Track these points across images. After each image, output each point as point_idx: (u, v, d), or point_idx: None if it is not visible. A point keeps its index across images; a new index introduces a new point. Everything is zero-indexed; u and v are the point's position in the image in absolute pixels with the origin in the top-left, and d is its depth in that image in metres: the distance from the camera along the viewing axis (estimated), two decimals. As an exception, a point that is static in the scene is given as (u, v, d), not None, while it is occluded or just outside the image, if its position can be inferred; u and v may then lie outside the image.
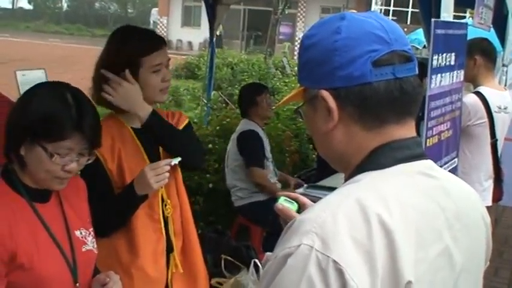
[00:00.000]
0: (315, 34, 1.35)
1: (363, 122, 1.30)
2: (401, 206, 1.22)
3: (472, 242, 1.37)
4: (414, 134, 1.35)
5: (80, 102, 2.02)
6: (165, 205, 2.71)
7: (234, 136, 5.53)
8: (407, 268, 1.14)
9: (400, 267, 1.14)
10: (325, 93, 1.30)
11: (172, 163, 2.53)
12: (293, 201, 1.80)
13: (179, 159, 2.55)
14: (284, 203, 1.78)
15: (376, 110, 1.29)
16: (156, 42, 2.66)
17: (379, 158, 1.30)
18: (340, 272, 1.10)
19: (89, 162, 2.12)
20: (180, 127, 2.82)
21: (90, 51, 22.81)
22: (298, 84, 1.43)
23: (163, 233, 2.71)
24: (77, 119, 1.97)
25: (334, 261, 1.10)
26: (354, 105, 1.28)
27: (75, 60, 20.39)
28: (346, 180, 1.34)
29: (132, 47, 2.59)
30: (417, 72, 1.34)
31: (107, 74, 2.54)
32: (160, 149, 2.73)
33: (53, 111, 1.98)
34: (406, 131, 1.33)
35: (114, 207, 2.57)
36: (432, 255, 1.23)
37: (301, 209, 1.78)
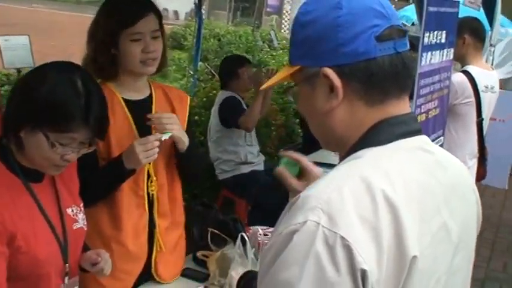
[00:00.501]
0: (312, 10, 1.32)
1: (367, 97, 1.29)
2: (404, 181, 1.23)
3: (466, 215, 1.40)
4: (410, 109, 1.36)
5: (89, 91, 1.94)
6: (151, 181, 2.64)
7: (214, 108, 5.47)
8: (412, 243, 1.15)
9: (405, 243, 1.15)
10: (329, 71, 1.27)
11: (163, 138, 2.47)
12: (295, 164, 1.79)
13: (170, 134, 2.49)
14: (285, 167, 1.77)
15: (382, 85, 1.28)
16: (140, 11, 2.51)
17: (378, 134, 1.29)
18: (348, 248, 1.10)
19: (89, 151, 2.07)
20: (185, 115, 2.78)
21: (74, 17, 22.50)
22: (288, 63, 1.40)
23: (147, 209, 2.67)
24: (85, 112, 1.91)
25: (342, 237, 1.10)
26: (360, 81, 1.27)
27: (59, 27, 20.12)
28: (344, 156, 1.32)
29: (114, 20, 2.50)
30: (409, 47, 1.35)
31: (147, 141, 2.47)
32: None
33: (62, 101, 1.90)
34: (403, 106, 1.34)
35: (100, 178, 2.53)
36: (433, 229, 1.25)
37: (302, 174, 1.80)
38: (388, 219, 1.15)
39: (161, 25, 2.61)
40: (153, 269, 2.73)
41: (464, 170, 1.48)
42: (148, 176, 2.64)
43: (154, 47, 2.54)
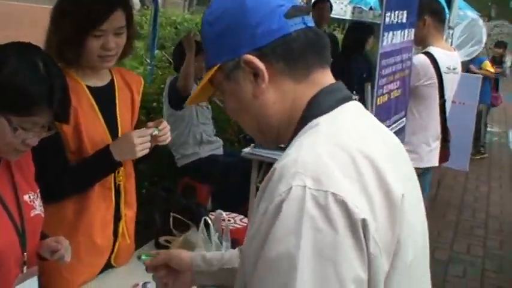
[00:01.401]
0: (217, 7, 1.36)
1: (292, 73, 1.31)
2: (368, 137, 1.28)
3: (410, 167, 1.42)
4: (334, 80, 1.40)
5: (51, 73, 1.89)
6: (118, 172, 2.57)
7: (164, 93, 5.45)
8: (396, 186, 1.19)
9: (390, 187, 1.18)
10: (249, 57, 1.29)
11: (154, 133, 2.48)
12: (153, 254, 1.98)
13: (157, 130, 2.49)
14: (146, 258, 1.96)
15: (303, 57, 1.31)
16: (107, 9, 2.37)
17: (320, 104, 1.31)
18: (342, 203, 1.10)
19: (49, 134, 2.00)
20: (139, 97, 2.73)
21: (28, 8, 22.18)
22: (205, 70, 1.41)
23: (113, 201, 2.61)
24: (48, 94, 1.86)
25: (333, 194, 1.10)
26: (282, 58, 1.30)
27: (14, 18, 19.80)
28: (294, 135, 1.32)
29: (82, 20, 2.35)
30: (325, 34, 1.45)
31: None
32: (117, 108, 2.60)
33: (24, 85, 1.83)
34: (329, 77, 1.37)
35: (82, 172, 2.45)
36: (403, 176, 1.29)
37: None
38: (369, 171, 1.17)
39: (129, 18, 2.49)
40: (112, 259, 2.69)
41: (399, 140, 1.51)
42: None
43: (115, 44, 2.43)
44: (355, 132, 1.26)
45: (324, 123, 1.27)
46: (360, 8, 9.64)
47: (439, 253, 5.96)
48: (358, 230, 1.10)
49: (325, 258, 1.08)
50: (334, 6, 8.71)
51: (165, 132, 2.53)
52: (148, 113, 5.96)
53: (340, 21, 18.95)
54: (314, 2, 7.72)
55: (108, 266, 2.68)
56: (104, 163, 2.46)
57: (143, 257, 1.98)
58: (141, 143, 2.41)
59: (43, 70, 1.87)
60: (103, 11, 2.36)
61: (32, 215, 2.09)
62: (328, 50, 1.38)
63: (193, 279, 1.89)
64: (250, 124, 1.40)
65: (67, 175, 2.42)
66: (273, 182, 1.17)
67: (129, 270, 2.72)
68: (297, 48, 1.30)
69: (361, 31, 7.16)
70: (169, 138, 2.58)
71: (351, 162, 1.17)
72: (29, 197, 2.10)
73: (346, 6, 23.28)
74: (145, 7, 14.90)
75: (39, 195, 2.16)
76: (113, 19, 2.38)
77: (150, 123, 2.53)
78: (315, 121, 1.28)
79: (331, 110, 1.30)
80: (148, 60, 8.37)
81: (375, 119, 1.43)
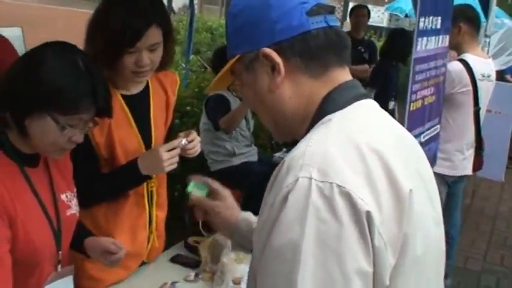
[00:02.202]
0: (241, 0, 1.39)
1: (309, 70, 1.34)
2: (379, 132, 1.31)
3: (424, 166, 1.43)
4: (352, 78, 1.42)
5: (92, 71, 1.91)
6: (150, 178, 2.54)
7: (204, 108, 5.37)
8: (404, 180, 1.20)
9: (398, 181, 1.19)
10: (268, 50, 1.32)
11: (183, 142, 2.44)
12: (203, 187, 1.85)
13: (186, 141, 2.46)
14: (194, 190, 1.83)
15: (321, 56, 1.33)
16: (142, 28, 2.30)
17: (335, 100, 1.33)
18: (347, 195, 1.12)
19: (91, 129, 2.04)
20: (174, 97, 2.72)
21: (62, 12, 22.48)
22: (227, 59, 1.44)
23: (146, 207, 2.62)
24: (92, 91, 1.88)
25: (338, 186, 1.12)
26: (299, 54, 1.32)
27: (50, 21, 20.09)
28: (307, 131, 1.33)
29: (117, 40, 2.29)
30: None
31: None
32: (152, 115, 2.59)
33: (68, 84, 1.84)
34: (347, 74, 1.39)
35: (110, 184, 2.47)
36: (413, 172, 1.31)
37: (211, 195, 1.86)
38: (376, 165, 1.19)
39: (167, 33, 2.43)
40: (145, 258, 2.73)
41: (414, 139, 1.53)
42: None
43: (149, 60, 2.38)
44: (366, 127, 1.28)
45: (336, 118, 1.29)
46: (397, 15, 9.62)
47: (472, 263, 5.89)
48: (363, 222, 1.11)
49: (328, 249, 1.10)
50: (372, 13, 8.66)
51: (194, 144, 2.51)
52: (182, 116, 5.99)
53: (377, 29, 18.86)
54: (352, 8, 7.68)
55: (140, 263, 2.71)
56: (131, 176, 2.46)
57: (192, 187, 1.85)
58: (169, 158, 2.39)
59: (83, 67, 1.88)
60: (138, 29, 2.30)
61: (67, 214, 2.12)
62: (348, 50, 1.39)
63: (232, 238, 1.90)
64: (266, 116, 1.43)
65: (97, 183, 2.44)
66: (281, 174, 1.21)
67: (158, 269, 2.75)
68: (315, 46, 1.32)
69: (401, 38, 7.05)
70: (199, 151, 2.56)
71: (358, 155, 1.18)
72: (66, 196, 2.14)
73: (383, 13, 23.18)
74: (182, 13, 15.03)
75: (75, 194, 2.19)
76: (147, 36, 2.32)
77: (181, 134, 2.51)
78: (328, 117, 1.31)
79: (345, 106, 1.32)
80: (184, 65, 8.44)
81: (390, 118, 1.44)
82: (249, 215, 1.89)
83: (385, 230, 1.14)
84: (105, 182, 2.46)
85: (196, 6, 9.55)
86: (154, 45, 2.37)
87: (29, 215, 1.94)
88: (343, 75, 1.38)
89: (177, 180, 2.88)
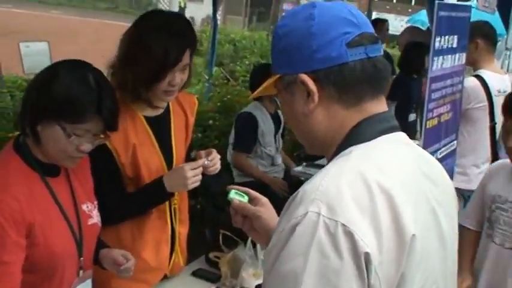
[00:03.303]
0: (288, 23, 1.43)
1: (342, 100, 1.37)
2: (395, 171, 1.32)
3: (449, 205, 1.47)
4: (387, 108, 1.45)
5: (101, 85, 2.04)
6: (173, 195, 2.66)
7: (234, 127, 5.38)
8: (409, 224, 1.23)
9: (403, 225, 1.22)
10: (305, 77, 1.36)
11: (206, 162, 2.56)
12: (243, 195, 1.87)
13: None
14: (236, 197, 1.85)
15: (355, 88, 1.36)
16: (180, 54, 2.42)
17: (362, 132, 1.37)
18: (349, 235, 1.16)
19: (102, 142, 2.16)
20: (193, 118, 2.82)
21: (91, 23, 22.62)
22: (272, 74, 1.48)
23: (169, 223, 2.71)
24: (98, 103, 2.01)
25: (343, 225, 1.17)
26: (333, 85, 1.36)
27: (77, 33, 20.24)
28: (332, 157, 1.40)
29: (158, 63, 2.40)
30: (382, 53, 1.44)
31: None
32: (173, 136, 2.69)
33: (75, 94, 1.99)
34: (380, 106, 1.42)
35: (135, 202, 2.58)
36: (424, 213, 1.34)
37: (251, 202, 1.86)
38: (384, 206, 1.22)
39: (194, 51, 2.55)
40: (168, 272, 2.80)
41: (439, 164, 1.56)
42: None
43: (180, 79, 2.50)
44: (385, 165, 1.31)
45: (356, 152, 1.33)
46: (418, 28, 9.65)
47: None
48: (361, 261, 1.16)
49: (327, 282, 1.16)
50: (395, 23, 8.69)
51: (214, 163, 2.61)
52: (204, 130, 5.99)
53: (395, 38, 18.71)
54: (372, 21, 7.68)
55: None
56: (157, 194, 2.57)
57: (233, 194, 1.86)
58: (193, 176, 2.49)
59: (92, 82, 2.02)
60: (179, 53, 2.42)
61: (89, 223, 2.24)
62: (385, 81, 1.42)
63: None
64: (300, 133, 1.48)
65: (123, 202, 2.55)
66: (295, 203, 1.26)
67: (180, 283, 2.83)
68: (350, 78, 1.35)
69: (419, 50, 6.91)
70: (219, 168, 2.65)
71: (368, 194, 1.22)
72: (87, 206, 2.26)
73: (406, 23, 23.06)
74: (206, 24, 15.04)
75: (96, 206, 2.31)
76: (184, 58, 2.46)
77: (202, 153, 2.61)
78: (350, 148, 1.35)
79: (371, 139, 1.36)
80: (207, 77, 8.45)
81: (416, 150, 1.47)
82: None
83: (382, 270, 1.18)
84: (133, 200, 2.57)
85: (219, 17, 9.56)
86: (186, 66, 2.51)
87: (48, 220, 2.06)
88: (377, 106, 1.40)
89: (198, 193, 2.95)
